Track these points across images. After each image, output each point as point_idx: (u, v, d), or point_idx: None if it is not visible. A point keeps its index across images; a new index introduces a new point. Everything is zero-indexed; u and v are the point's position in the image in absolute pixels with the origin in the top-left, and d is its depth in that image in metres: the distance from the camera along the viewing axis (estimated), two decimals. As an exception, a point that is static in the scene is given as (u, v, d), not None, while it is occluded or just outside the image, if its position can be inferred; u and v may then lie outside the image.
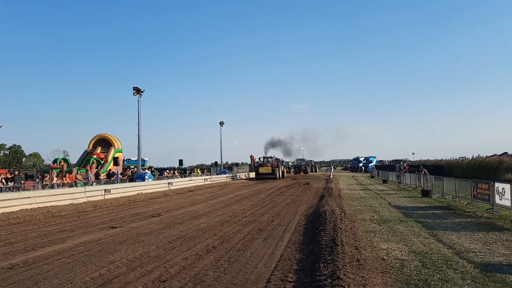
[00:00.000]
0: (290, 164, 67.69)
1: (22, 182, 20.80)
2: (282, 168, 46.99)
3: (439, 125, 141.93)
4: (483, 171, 34.57)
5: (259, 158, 46.29)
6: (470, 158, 42.20)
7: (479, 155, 41.63)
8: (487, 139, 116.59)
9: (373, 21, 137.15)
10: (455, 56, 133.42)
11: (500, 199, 11.98)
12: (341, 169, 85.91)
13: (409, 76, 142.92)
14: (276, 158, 46.07)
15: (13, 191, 17.35)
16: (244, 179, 44.51)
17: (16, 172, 22.19)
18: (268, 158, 45.41)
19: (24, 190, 18.33)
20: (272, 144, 63.13)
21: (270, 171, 41.49)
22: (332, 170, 51.28)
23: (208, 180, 36.27)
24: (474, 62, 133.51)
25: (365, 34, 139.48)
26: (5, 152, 68.22)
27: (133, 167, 34.05)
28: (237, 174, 46.14)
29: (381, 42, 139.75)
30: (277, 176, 41.39)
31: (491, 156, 41.49)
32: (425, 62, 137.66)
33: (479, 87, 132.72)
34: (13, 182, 19.42)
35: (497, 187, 12.23)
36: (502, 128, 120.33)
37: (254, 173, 44.96)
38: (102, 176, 26.40)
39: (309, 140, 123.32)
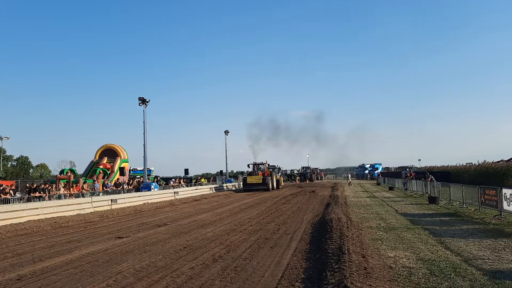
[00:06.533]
0: (296, 172, 67.67)
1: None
2: (277, 176, 39.81)
3: (445, 131, 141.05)
4: (491, 177, 34.20)
5: (248, 165, 38.98)
6: (477, 164, 41.81)
7: (485, 161, 41.26)
8: (494, 144, 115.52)
9: (375, 26, 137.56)
10: (461, 61, 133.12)
11: (508, 205, 11.87)
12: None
13: (413, 82, 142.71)
14: (269, 165, 39.70)
15: (20, 202, 17.49)
16: (233, 190, 38.50)
17: (47, 186, 23.21)
18: (258, 164, 38.38)
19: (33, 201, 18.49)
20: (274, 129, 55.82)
21: (260, 181, 34.48)
22: (350, 177, 46.60)
23: (214, 188, 36.29)
24: (479, 67, 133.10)
25: (368, 39, 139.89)
26: (13, 163, 68.81)
27: (139, 176, 34.25)
28: (224, 185, 39.70)
29: (384, 47, 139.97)
30: (269, 186, 34.43)
31: (498, 161, 41.12)
32: (430, 67, 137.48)
33: (485, 92, 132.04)
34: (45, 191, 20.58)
35: (505, 193, 12.12)
36: (509, 133, 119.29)
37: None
38: (110, 186, 26.57)
39: (364, 138, 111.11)
